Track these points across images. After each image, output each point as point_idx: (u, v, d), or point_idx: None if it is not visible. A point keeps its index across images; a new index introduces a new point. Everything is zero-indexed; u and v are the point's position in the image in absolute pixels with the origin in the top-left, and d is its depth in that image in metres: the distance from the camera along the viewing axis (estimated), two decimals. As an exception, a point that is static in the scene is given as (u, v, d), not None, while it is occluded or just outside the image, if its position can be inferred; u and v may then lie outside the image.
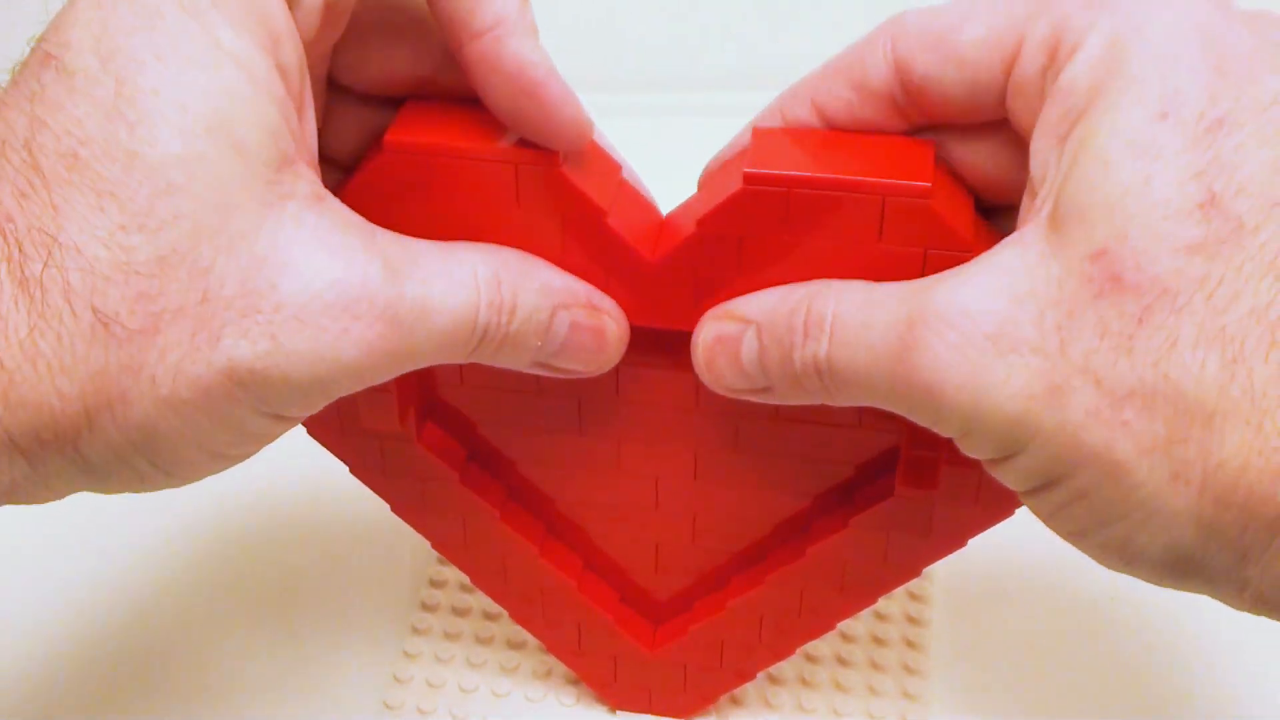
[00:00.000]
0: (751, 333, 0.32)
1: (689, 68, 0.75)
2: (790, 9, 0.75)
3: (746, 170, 0.32)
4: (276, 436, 0.31)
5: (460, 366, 0.37)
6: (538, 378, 0.37)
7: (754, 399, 0.33)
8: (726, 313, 0.33)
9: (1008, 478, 0.30)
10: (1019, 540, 0.47)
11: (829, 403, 0.32)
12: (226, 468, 0.31)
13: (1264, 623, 0.44)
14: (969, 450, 0.30)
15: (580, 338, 0.34)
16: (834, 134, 0.34)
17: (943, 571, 0.47)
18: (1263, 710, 0.43)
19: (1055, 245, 0.28)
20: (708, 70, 0.75)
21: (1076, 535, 0.29)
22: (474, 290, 0.31)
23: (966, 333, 0.28)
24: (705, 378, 0.34)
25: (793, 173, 0.32)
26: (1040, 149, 0.29)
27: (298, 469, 0.50)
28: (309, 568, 0.48)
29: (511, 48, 0.31)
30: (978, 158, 0.33)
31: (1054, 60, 0.29)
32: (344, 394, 0.31)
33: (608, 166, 0.35)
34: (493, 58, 0.31)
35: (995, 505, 0.36)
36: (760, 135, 0.33)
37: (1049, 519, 0.30)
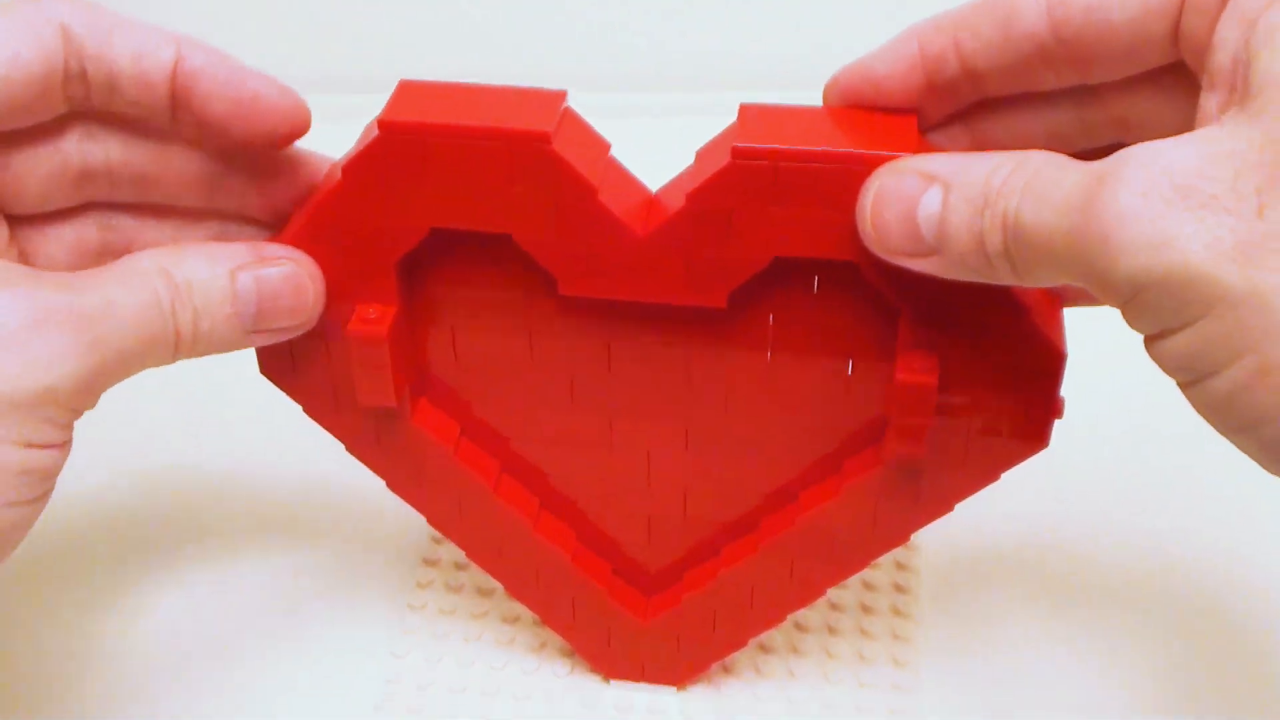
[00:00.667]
0: (936, 190, 0.31)
1: (678, 68, 0.75)
2: (783, 10, 0.76)
3: (735, 145, 0.33)
4: (51, 468, 0.33)
5: (453, 342, 0.38)
6: (529, 352, 0.38)
7: (911, 262, 0.32)
8: (906, 168, 0.32)
9: (1178, 356, 0.28)
10: (1003, 510, 0.48)
11: (997, 278, 0.31)
12: (22, 521, 0.33)
13: (1229, 591, 0.46)
14: (1138, 319, 0.28)
15: (271, 289, 0.35)
16: (819, 110, 0.35)
17: (929, 542, 0.48)
18: (1230, 674, 0.44)
19: (1254, 114, 0.27)
20: (696, 70, 0.75)
21: (1253, 425, 0.28)
22: (147, 281, 0.34)
23: (1156, 182, 0.27)
24: (866, 232, 0.32)
25: (779, 146, 0.33)
26: (1229, 39, 0.29)
27: (293, 451, 0.51)
28: (304, 549, 0.49)
29: (198, 63, 0.35)
30: (1129, 108, 0.33)
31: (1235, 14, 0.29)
32: (79, 408, 0.33)
33: (597, 144, 0.35)
34: (190, 82, 0.35)
35: (981, 470, 0.37)
36: (746, 111, 0.34)
37: (1221, 409, 0.28)
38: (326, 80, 0.73)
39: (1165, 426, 0.48)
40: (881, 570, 0.47)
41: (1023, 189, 0.29)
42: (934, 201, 0.31)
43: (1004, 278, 0.30)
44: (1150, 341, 0.29)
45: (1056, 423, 0.36)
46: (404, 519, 0.45)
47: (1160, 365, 0.29)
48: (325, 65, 0.74)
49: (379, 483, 0.41)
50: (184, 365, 0.57)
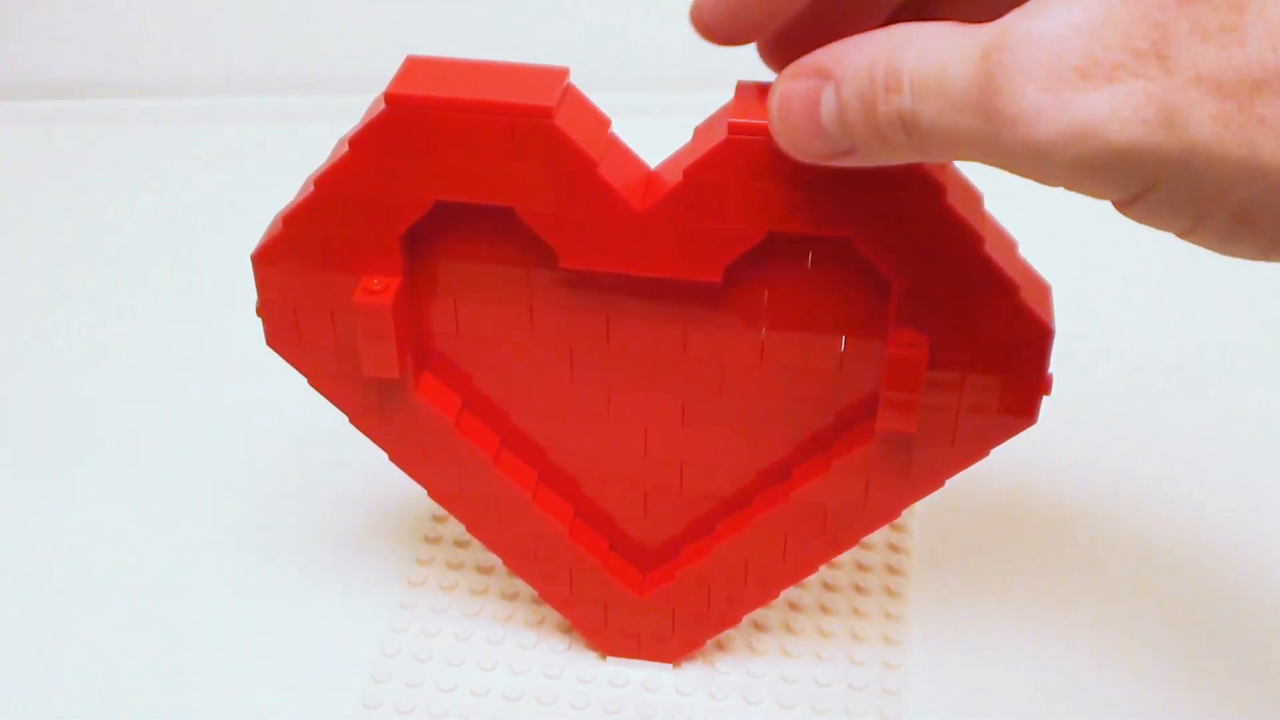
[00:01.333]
0: (830, 89, 0.30)
1: (678, 68, 0.76)
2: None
3: (730, 121, 0.34)
4: None
5: (455, 314, 0.39)
6: (530, 325, 0.39)
7: (837, 163, 0.31)
8: (801, 68, 0.31)
9: (1150, 218, 0.27)
10: (994, 492, 0.49)
11: (922, 159, 0.30)
12: None
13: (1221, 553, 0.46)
14: (1089, 194, 0.28)
15: None
16: None
17: (921, 524, 0.49)
18: (1222, 652, 0.45)
19: None
20: (696, 70, 0.76)
21: (1266, 248, 0.27)
22: None
23: (1053, 68, 0.26)
24: (781, 141, 0.32)
25: None
26: None
27: (299, 430, 0.52)
28: (307, 524, 0.50)
29: None
30: None
31: None
32: None
33: (598, 120, 0.36)
34: None
35: (971, 446, 0.38)
36: (743, 88, 0.35)
37: (1227, 246, 0.28)
38: (325, 80, 0.74)
39: (1158, 407, 0.49)
40: (875, 551, 0.48)
41: (910, 85, 0.28)
42: (831, 101, 0.30)
43: (930, 161, 0.30)
44: (1118, 208, 0.28)
45: (1049, 401, 0.37)
46: (407, 496, 0.46)
47: (1140, 224, 0.28)
48: (324, 65, 0.75)
49: (383, 460, 0.41)
50: (185, 342, 0.57)
